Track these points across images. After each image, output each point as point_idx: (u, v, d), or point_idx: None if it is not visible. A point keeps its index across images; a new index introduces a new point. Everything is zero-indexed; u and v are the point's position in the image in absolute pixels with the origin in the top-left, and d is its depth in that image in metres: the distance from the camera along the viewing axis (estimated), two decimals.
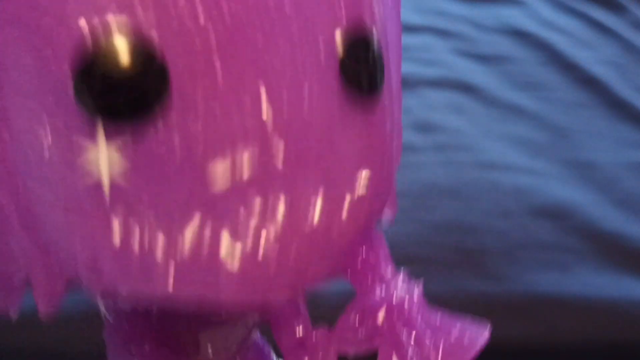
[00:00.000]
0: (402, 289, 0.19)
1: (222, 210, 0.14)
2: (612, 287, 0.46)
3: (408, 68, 0.68)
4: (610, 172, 0.57)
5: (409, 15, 0.77)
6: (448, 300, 0.44)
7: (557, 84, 0.68)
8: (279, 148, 0.15)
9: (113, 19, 0.14)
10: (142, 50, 0.14)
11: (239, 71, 0.14)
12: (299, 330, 0.20)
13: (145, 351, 0.19)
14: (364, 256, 0.19)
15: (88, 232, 0.14)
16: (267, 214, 0.14)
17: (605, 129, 0.62)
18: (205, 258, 0.14)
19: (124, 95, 0.14)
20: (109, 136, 0.14)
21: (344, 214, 0.16)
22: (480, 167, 0.56)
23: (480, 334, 0.20)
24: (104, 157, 0.14)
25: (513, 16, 0.78)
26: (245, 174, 0.14)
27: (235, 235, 0.14)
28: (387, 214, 0.20)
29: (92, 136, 0.14)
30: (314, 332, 0.20)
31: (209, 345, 0.21)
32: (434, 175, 0.54)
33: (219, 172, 0.14)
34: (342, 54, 0.16)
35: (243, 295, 0.15)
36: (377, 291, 0.19)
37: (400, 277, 0.20)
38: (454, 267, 0.46)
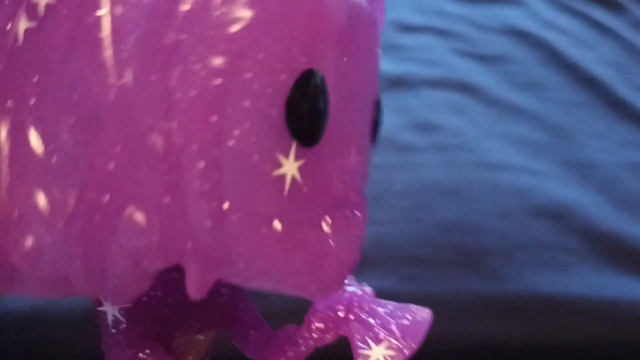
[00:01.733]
0: (353, 287, 0.24)
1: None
2: (612, 287, 0.46)
3: (408, 68, 0.68)
4: (610, 172, 0.57)
5: (409, 15, 0.77)
6: (448, 300, 0.44)
7: (557, 84, 0.68)
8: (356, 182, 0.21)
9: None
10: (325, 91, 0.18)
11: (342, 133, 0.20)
12: (264, 333, 0.24)
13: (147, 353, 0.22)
14: None
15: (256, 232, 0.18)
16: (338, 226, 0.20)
17: (605, 129, 0.62)
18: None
19: (316, 125, 0.18)
20: (296, 155, 0.18)
21: (361, 227, 0.21)
22: (480, 167, 0.56)
23: (426, 315, 0.24)
24: (290, 168, 0.18)
25: (513, 16, 0.78)
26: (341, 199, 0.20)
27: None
28: None
29: (287, 153, 0.18)
30: (286, 328, 0.24)
31: (191, 349, 0.24)
32: (434, 175, 0.54)
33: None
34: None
35: None
36: (340, 292, 0.24)
37: (348, 279, 0.24)
38: (454, 267, 0.46)
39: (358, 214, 0.21)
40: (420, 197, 0.52)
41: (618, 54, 0.73)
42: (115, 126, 0.17)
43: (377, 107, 0.22)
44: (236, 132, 0.17)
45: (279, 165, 0.18)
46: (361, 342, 0.23)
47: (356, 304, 0.24)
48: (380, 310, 0.24)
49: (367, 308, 0.24)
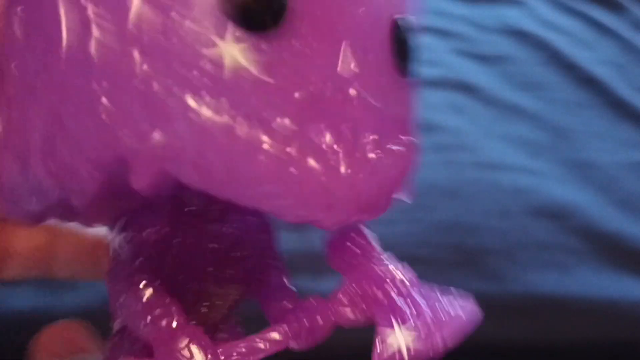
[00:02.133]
0: (391, 264, 0.22)
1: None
2: (612, 287, 0.46)
3: None
4: (610, 172, 0.57)
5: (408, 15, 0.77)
6: None
7: (557, 84, 0.68)
8: (350, 92, 0.18)
9: None
10: None
11: (330, 27, 0.18)
12: (290, 301, 0.22)
13: (149, 293, 0.20)
14: (355, 238, 0.21)
15: (199, 117, 0.17)
16: (341, 139, 0.17)
17: (605, 129, 0.62)
18: (296, 157, 0.17)
19: (259, 9, 0.17)
20: (239, 39, 0.17)
21: (390, 163, 0.18)
22: (480, 167, 0.56)
23: (473, 313, 0.22)
24: (230, 52, 0.17)
25: (513, 16, 0.78)
26: (325, 102, 0.17)
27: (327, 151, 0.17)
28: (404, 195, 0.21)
29: (224, 36, 0.17)
30: (311, 299, 0.21)
31: (206, 301, 0.22)
32: (434, 175, 0.54)
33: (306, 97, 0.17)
34: (394, 38, 0.19)
35: (313, 202, 0.17)
36: (373, 267, 0.21)
37: (388, 255, 0.22)
38: (454, 267, 0.46)
39: (395, 146, 0.18)
40: (420, 197, 0.52)
41: (618, 54, 0.73)
42: (50, 38, 0.17)
43: (398, 26, 0.20)
44: (173, 16, 0.17)
45: (213, 45, 0.17)
46: (384, 323, 0.20)
47: (389, 281, 0.21)
48: (418, 294, 0.21)
49: (400, 288, 0.21)
